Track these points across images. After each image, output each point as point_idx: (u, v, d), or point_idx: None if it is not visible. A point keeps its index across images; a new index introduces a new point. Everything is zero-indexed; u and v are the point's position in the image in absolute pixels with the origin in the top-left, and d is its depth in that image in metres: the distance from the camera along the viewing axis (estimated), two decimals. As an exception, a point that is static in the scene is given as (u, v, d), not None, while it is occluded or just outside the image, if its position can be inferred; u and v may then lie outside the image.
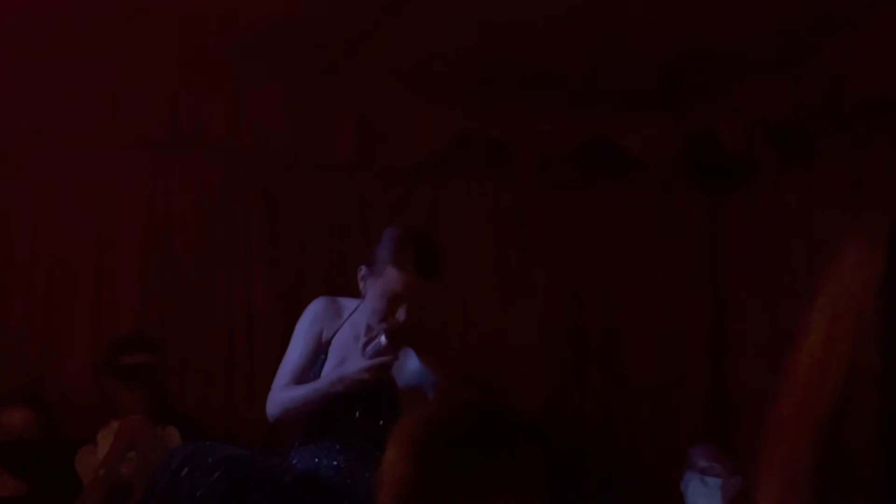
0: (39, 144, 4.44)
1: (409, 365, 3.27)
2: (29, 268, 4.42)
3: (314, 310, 3.43)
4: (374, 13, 3.92)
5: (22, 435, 4.00)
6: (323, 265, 4.73)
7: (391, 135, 4.83)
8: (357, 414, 3.22)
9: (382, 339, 3.16)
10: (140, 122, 4.50)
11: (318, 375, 3.30)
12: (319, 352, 3.34)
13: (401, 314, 3.18)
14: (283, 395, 3.31)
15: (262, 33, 4.13)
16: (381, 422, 3.15)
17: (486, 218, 5.07)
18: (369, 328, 3.25)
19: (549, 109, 4.85)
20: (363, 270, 3.28)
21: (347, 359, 3.27)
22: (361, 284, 3.28)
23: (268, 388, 3.38)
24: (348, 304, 3.41)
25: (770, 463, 0.68)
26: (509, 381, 4.83)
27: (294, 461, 3.25)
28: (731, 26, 3.93)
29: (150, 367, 4.16)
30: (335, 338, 3.37)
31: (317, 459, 3.21)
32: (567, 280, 5.13)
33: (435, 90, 4.69)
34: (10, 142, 4.41)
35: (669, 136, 4.93)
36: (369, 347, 3.18)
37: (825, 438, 0.65)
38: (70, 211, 4.47)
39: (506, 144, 4.98)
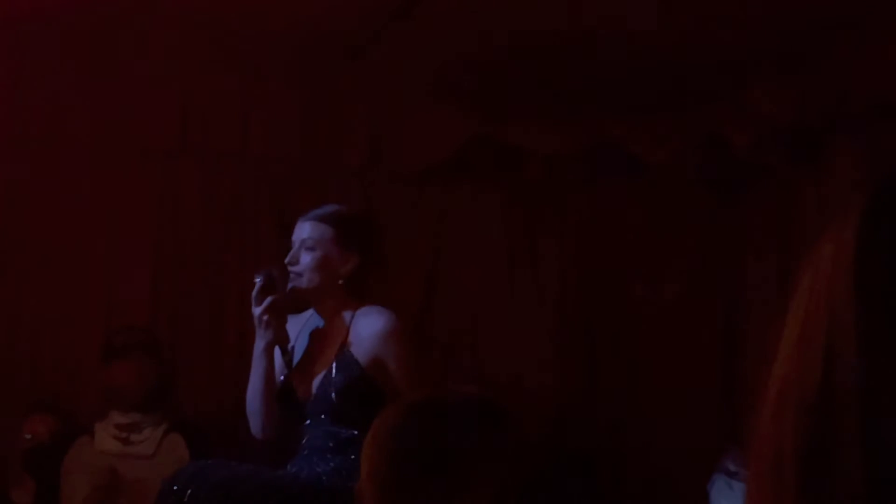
0: (50, 152, 4.46)
1: (364, 333, 3.28)
2: (40, 276, 4.43)
3: None
4: (383, 18, 3.93)
5: (46, 442, 4.04)
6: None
7: (400, 139, 4.84)
8: (333, 395, 3.23)
9: (257, 280, 3.31)
10: (150, 129, 4.52)
11: (283, 387, 3.34)
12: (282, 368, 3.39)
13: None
14: (247, 403, 3.39)
15: (271, 39, 4.14)
16: (360, 402, 3.17)
17: (495, 221, 5.07)
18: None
19: (558, 113, 4.85)
20: None
21: (306, 364, 3.32)
22: None
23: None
24: (300, 316, 3.45)
25: (755, 452, 0.69)
26: (521, 383, 4.83)
27: (294, 470, 3.26)
28: (740, 29, 3.93)
29: (138, 342, 4.23)
30: (295, 348, 3.40)
31: (318, 469, 3.22)
32: (577, 283, 5.13)
33: (444, 94, 4.69)
34: (20, 150, 4.43)
35: (678, 139, 4.92)
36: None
37: (808, 424, 0.66)
38: (80, 219, 4.47)
39: (515, 148, 4.99)
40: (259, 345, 3.30)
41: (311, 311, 3.43)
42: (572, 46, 4.13)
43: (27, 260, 4.43)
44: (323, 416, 3.22)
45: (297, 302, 3.41)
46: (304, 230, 3.35)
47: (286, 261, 3.33)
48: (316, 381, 3.27)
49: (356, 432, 3.15)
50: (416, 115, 4.83)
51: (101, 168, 4.52)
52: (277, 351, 3.35)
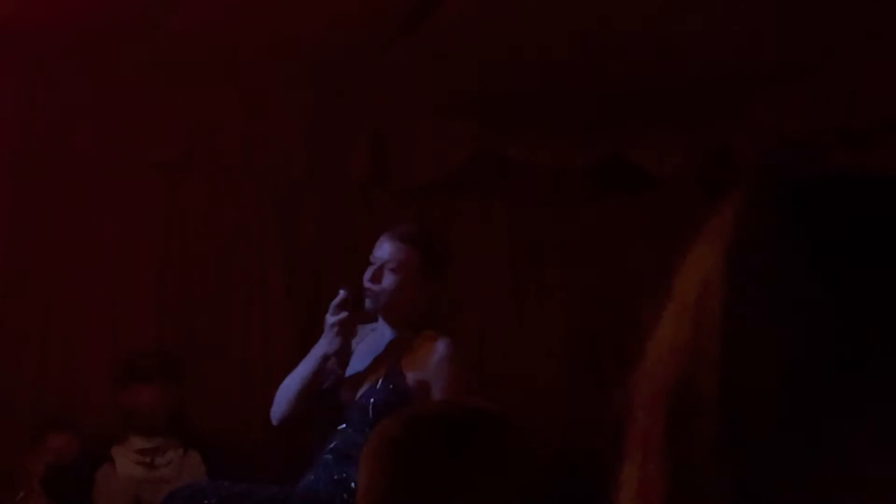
0: (54, 168, 4.46)
1: (421, 357, 3.29)
2: (46, 291, 4.43)
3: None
4: (389, 33, 3.93)
5: (65, 458, 4.03)
6: (339, 285, 4.73)
7: (406, 153, 4.84)
8: (371, 407, 3.22)
9: (341, 292, 3.33)
10: (154, 144, 4.52)
11: (333, 393, 3.34)
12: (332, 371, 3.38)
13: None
14: (282, 386, 3.38)
15: (275, 53, 4.15)
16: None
17: (501, 236, 5.06)
18: None
19: (563, 127, 4.85)
20: None
21: (357, 372, 3.33)
22: None
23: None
24: (366, 326, 3.45)
25: (628, 453, 0.73)
26: (528, 398, 4.81)
27: (305, 482, 3.26)
28: (746, 42, 3.93)
29: (163, 365, 4.23)
30: (353, 357, 3.41)
31: (334, 476, 3.22)
32: (584, 297, 5.12)
33: (449, 108, 4.70)
34: (25, 165, 4.43)
35: (685, 153, 4.92)
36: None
37: (675, 427, 0.70)
38: (86, 234, 4.47)
39: (521, 162, 4.98)
40: (320, 348, 3.31)
41: (375, 325, 3.42)
42: (578, 61, 4.13)
43: (32, 275, 4.43)
44: (357, 424, 3.23)
45: (368, 315, 3.41)
46: (388, 250, 3.33)
47: (367, 277, 3.31)
48: (361, 390, 3.29)
49: None
50: (421, 130, 4.83)
51: (105, 183, 4.51)
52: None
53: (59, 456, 4.05)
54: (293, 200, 4.77)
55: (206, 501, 3.03)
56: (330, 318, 3.29)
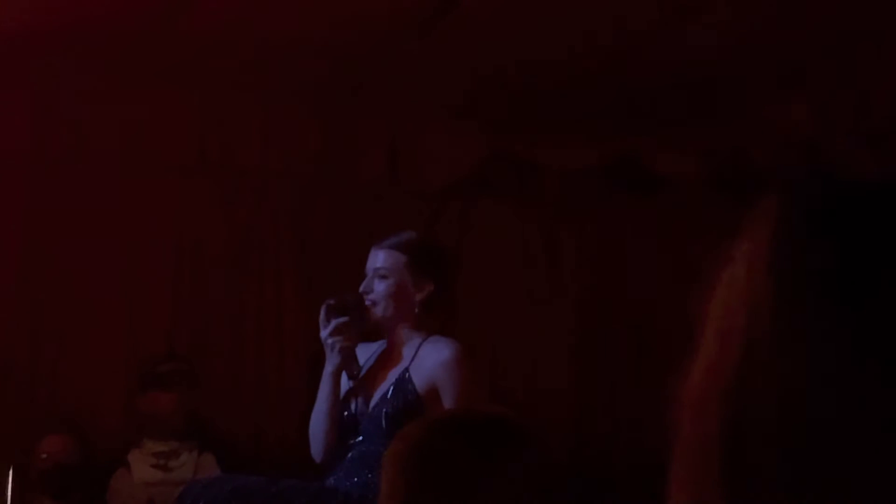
0: (70, 171, 4.47)
1: (427, 362, 3.28)
2: (61, 294, 4.45)
3: None
4: (402, 36, 3.94)
5: (62, 460, 4.04)
6: (353, 288, 4.73)
7: (419, 156, 4.84)
8: (384, 416, 3.22)
9: (324, 306, 3.31)
10: (169, 146, 4.54)
11: (350, 420, 3.34)
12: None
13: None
14: (311, 428, 3.38)
15: (289, 57, 4.15)
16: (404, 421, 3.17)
17: (514, 237, 5.06)
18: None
19: (576, 128, 4.84)
20: None
21: (367, 383, 3.33)
22: None
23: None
24: (368, 347, 3.45)
25: (682, 438, 0.73)
26: (540, 398, 4.81)
27: (332, 481, 3.27)
28: (760, 43, 3.92)
29: (183, 372, 4.24)
30: (362, 371, 3.41)
31: (354, 480, 3.22)
32: (596, 299, 5.11)
33: (462, 111, 4.70)
34: (42, 169, 4.45)
35: (699, 154, 4.91)
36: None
37: (729, 411, 0.70)
38: (100, 237, 4.48)
39: (534, 164, 4.98)
40: (327, 368, 3.30)
41: (382, 342, 3.43)
42: (591, 63, 4.13)
43: (48, 277, 4.44)
44: (372, 434, 3.22)
45: (371, 332, 3.41)
46: (378, 259, 3.36)
47: (361, 289, 3.34)
48: (373, 400, 3.29)
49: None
50: (434, 132, 4.83)
51: (120, 185, 4.52)
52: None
53: (52, 457, 4.06)
54: (306, 202, 4.78)
55: (220, 492, 3.04)
56: (323, 333, 3.29)
